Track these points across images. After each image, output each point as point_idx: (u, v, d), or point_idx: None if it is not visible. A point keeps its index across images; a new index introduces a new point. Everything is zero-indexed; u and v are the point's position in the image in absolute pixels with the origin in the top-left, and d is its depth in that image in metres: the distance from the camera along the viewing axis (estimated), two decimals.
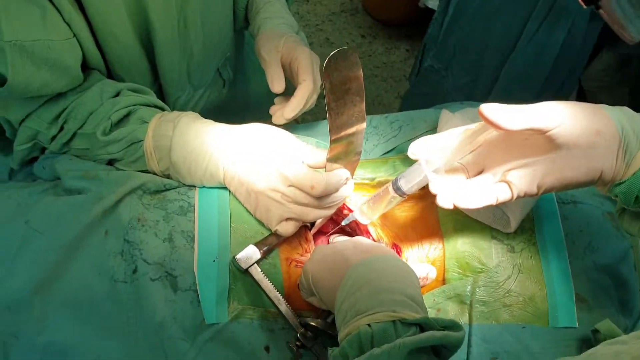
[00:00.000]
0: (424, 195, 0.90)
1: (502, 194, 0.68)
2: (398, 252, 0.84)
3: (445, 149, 0.70)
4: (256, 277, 0.76)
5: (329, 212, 0.78)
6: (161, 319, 0.73)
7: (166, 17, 0.86)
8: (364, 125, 0.74)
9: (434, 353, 0.62)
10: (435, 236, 0.85)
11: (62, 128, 0.81)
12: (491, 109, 0.62)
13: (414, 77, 1.81)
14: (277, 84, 0.91)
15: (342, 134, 0.72)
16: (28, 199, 0.79)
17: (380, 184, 0.91)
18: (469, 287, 0.81)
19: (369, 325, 0.60)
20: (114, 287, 0.74)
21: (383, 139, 0.98)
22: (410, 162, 0.89)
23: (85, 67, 0.84)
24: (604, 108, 0.66)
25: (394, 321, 0.60)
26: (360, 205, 0.80)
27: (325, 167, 0.75)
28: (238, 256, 0.76)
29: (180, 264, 0.75)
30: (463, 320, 0.80)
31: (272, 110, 0.94)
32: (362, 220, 0.80)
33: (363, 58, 2.71)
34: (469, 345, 0.79)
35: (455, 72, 1.58)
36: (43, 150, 0.87)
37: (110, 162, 0.85)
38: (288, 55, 0.92)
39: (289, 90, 0.94)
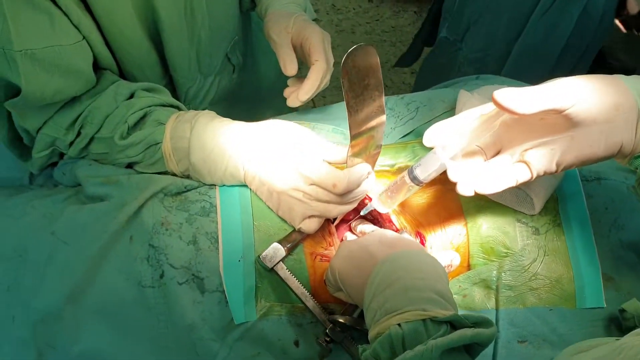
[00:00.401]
0: (444, 179, 0.89)
1: (521, 175, 0.67)
2: (421, 240, 0.84)
3: (462, 135, 0.69)
4: (282, 275, 0.77)
5: (352, 206, 0.78)
6: (191, 321, 0.74)
7: (172, 6, 0.84)
8: (384, 119, 0.73)
9: (465, 349, 0.62)
10: (459, 222, 0.85)
11: (79, 133, 0.81)
12: (504, 96, 0.61)
13: (419, 43, 1.79)
14: (289, 67, 0.90)
15: (363, 129, 0.71)
16: (52, 209, 0.79)
17: (401, 170, 0.90)
18: (495, 271, 0.81)
19: (399, 325, 0.60)
20: (142, 292, 0.74)
21: (400, 121, 0.96)
22: (430, 147, 0.89)
23: (97, 67, 0.83)
24: (620, 78, 0.64)
25: (424, 320, 0.60)
26: (379, 194, 0.79)
27: (346, 163, 0.75)
28: (263, 255, 0.76)
29: (206, 266, 0.76)
30: (490, 305, 0.80)
31: (287, 92, 0.93)
32: (381, 209, 0.80)
33: (370, 23, 2.66)
34: (497, 330, 0.79)
35: (469, 43, 1.55)
36: (62, 155, 0.87)
37: (130, 165, 0.85)
38: (299, 35, 0.91)
39: (302, 71, 0.92)
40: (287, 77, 0.94)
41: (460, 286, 0.81)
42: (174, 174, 0.83)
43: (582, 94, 0.62)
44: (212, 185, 0.82)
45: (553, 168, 0.66)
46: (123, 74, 0.89)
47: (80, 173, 0.82)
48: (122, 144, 0.79)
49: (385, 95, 0.74)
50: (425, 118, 0.95)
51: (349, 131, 0.71)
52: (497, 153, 0.72)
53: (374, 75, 0.69)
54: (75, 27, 0.74)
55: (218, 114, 1.15)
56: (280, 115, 1.26)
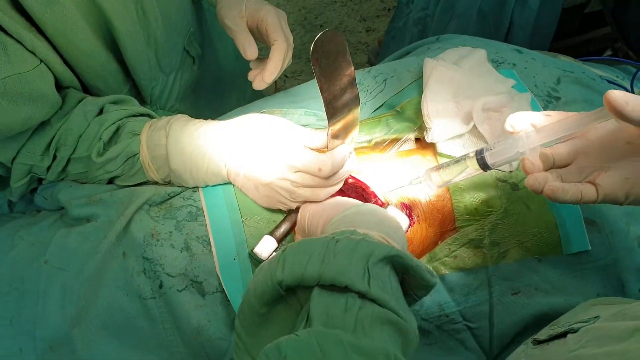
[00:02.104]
0: (423, 147, 0.91)
1: (587, 195, 0.64)
2: (409, 212, 0.85)
3: (545, 132, 0.66)
4: None
5: (338, 187, 0.80)
6: (196, 324, 0.75)
7: (124, 11, 0.83)
8: (358, 98, 0.74)
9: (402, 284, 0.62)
10: (442, 189, 0.86)
11: (55, 157, 0.80)
12: (619, 97, 0.56)
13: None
14: (249, 51, 0.89)
15: (339, 111, 0.72)
16: (40, 236, 0.79)
17: (378, 144, 0.91)
18: (481, 230, 0.83)
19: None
20: (144, 304, 0.75)
21: (370, 95, 0.97)
22: (404, 117, 0.90)
23: (59, 87, 0.81)
24: None
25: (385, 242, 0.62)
26: (431, 171, 0.80)
27: (327, 146, 0.75)
28: (256, 249, 0.77)
29: (203, 270, 0.77)
30: (480, 263, 0.83)
31: (251, 76, 0.92)
32: (431, 189, 0.81)
33: None
34: (490, 286, 0.83)
35: (415, 4, 1.55)
36: (40, 180, 0.86)
37: (110, 180, 0.84)
38: (254, 18, 0.90)
39: (261, 52, 0.92)
40: (247, 60, 0.93)
41: (449, 249, 0.83)
42: (155, 182, 0.83)
43: None
44: (195, 188, 0.83)
45: (620, 199, 0.64)
46: (86, 88, 0.88)
47: (61, 196, 0.82)
48: (100, 161, 0.79)
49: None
50: (394, 89, 0.96)
51: (324, 113, 0.72)
52: (567, 164, 0.69)
53: (343, 57, 0.69)
54: (31, 52, 0.73)
55: (186, 109, 1.15)
56: (246, 101, 1.26)
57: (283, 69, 0.91)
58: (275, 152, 0.75)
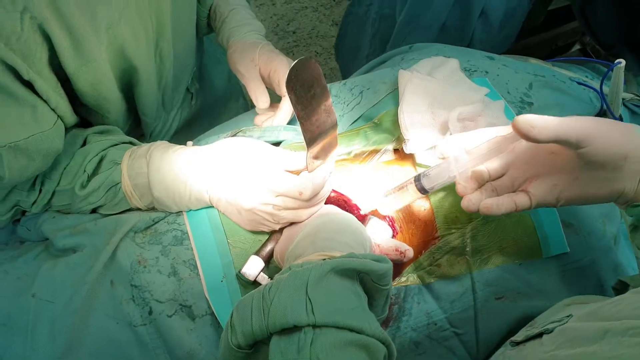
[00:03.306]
0: (403, 156, 0.92)
1: (521, 203, 0.70)
2: (391, 222, 0.87)
3: (474, 154, 0.71)
4: None
5: (319, 206, 0.80)
6: (188, 348, 0.76)
7: (147, 60, 0.85)
8: (335, 120, 0.75)
9: (363, 286, 0.64)
10: (422, 197, 0.88)
11: (40, 190, 0.80)
12: (525, 122, 0.62)
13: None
14: (261, 101, 0.93)
15: (316, 134, 0.73)
16: (26, 270, 0.79)
17: (357, 156, 0.92)
18: (462, 238, 0.85)
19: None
20: (135, 332, 0.76)
21: (347, 107, 0.98)
22: (382, 129, 0.92)
23: None
24: (635, 128, 0.66)
25: (324, 259, 0.64)
26: (383, 195, 0.82)
27: (307, 167, 0.76)
28: (243, 270, 0.78)
29: (191, 293, 0.77)
30: (463, 270, 0.85)
31: (258, 120, 0.96)
32: (383, 211, 0.84)
33: None
34: (474, 292, 0.84)
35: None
36: (24, 211, 0.86)
37: (94, 210, 0.84)
38: (266, 67, 0.93)
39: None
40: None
41: (433, 257, 0.85)
42: (139, 209, 0.83)
43: (598, 136, 0.63)
44: (179, 212, 0.83)
45: (552, 202, 0.69)
46: (86, 122, 0.89)
47: (45, 228, 0.82)
48: (83, 194, 0.79)
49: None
50: (370, 102, 0.97)
51: (302, 136, 0.73)
52: (500, 175, 0.74)
53: (319, 84, 0.70)
54: (53, 110, 0.73)
55: (181, 139, 1.16)
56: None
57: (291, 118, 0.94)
58: (256, 178, 0.76)
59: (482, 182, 0.74)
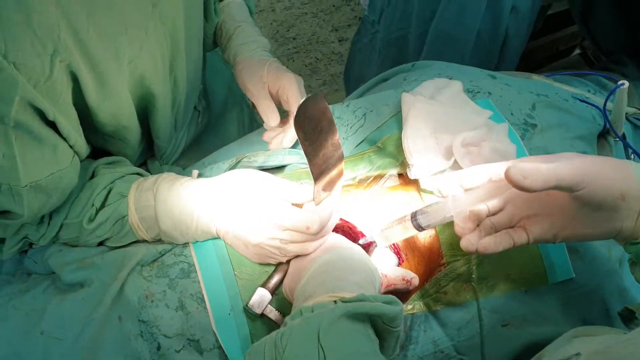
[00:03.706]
0: (406, 182, 0.92)
1: (519, 239, 0.71)
2: (396, 249, 0.87)
3: (472, 195, 0.71)
4: (273, 318, 0.79)
5: (326, 238, 0.80)
6: None
7: (163, 84, 0.85)
8: (342, 154, 0.75)
9: (374, 328, 0.64)
10: None
11: (48, 223, 0.80)
12: (517, 174, 0.62)
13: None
14: (272, 120, 0.93)
15: (324, 168, 0.73)
16: (34, 305, 0.79)
17: (362, 181, 0.92)
18: (468, 265, 0.85)
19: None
20: None
21: (350, 130, 0.98)
22: (386, 153, 0.92)
23: None
24: (630, 164, 0.66)
25: (335, 300, 0.64)
26: (381, 230, 0.82)
27: (314, 200, 0.76)
28: (250, 303, 0.78)
29: (199, 327, 0.77)
30: (469, 297, 0.85)
31: (267, 137, 0.96)
32: (382, 243, 0.84)
33: None
34: (480, 319, 0.84)
35: (384, 25, 1.54)
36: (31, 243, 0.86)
37: (101, 242, 0.84)
38: (275, 84, 0.93)
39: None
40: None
41: (439, 284, 0.85)
42: (145, 240, 0.83)
43: (594, 178, 0.63)
44: (186, 244, 0.83)
45: (550, 239, 0.70)
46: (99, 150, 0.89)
47: (52, 262, 0.82)
48: (90, 228, 0.79)
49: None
50: (374, 124, 0.97)
51: (309, 168, 0.73)
52: (498, 210, 0.75)
53: (326, 119, 0.71)
54: (71, 147, 0.74)
55: (188, 157, 1.16)
56: (246, 128, 1.29)
57: None
58: (262, 213, 0.76)
59: (480, 220, 0.75)
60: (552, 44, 2.36)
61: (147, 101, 0.84)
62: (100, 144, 0.87)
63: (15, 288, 0.84)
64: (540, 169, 0.63)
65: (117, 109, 0.77)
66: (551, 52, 2.33)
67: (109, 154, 0.89)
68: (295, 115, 0.67)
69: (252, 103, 0.98)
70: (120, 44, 0.70)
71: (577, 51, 2.23)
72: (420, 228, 0.77)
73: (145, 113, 0.88)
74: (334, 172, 0.76)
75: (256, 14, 2.59)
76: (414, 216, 0.78)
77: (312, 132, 0.69)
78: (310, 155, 0.70)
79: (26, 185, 0.67)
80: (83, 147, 0.77)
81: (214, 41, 1.10)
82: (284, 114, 0.98)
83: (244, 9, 1.10)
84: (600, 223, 0.67)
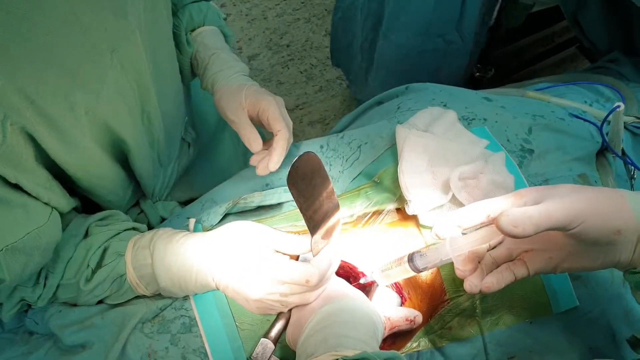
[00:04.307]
0: (405, 219, 0.92)
1: (519, 273, 0.72)
2: (398, 288, 0.86)
3: (470, 239, 0.71)
4: None
5: (327, 286, 0.80)
6: None
7: (135, 129, 0.83)
8: (338, 206, 0.75)
9: None
10: None
11: (44, 284, 0.79)
12: (508, 223, 0.62)
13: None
14: (255, 145, 0.92)
15: (320, 222, 0.73)
16: None
17: (360, 219, 0.92)
18: (472, 300, 0.84)
19: None
20: None
21: (347, 163, 0.98)
22: (383, 187, 0.91)
23: None
24: (625, 195, 0.65)
25: (337, 359, 0.64)
26: (380, 270, 0.82)
27: (311, 250, 0.76)
28: (254, 355, 0.78)
29: None
30: (474, 331, 0.84)
31: (254, 161, 0.94)
32: (382, 283, 0.83)
33: (280, 4, 2.61)
34: (486, 353, 0.84)
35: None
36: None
37: (100, 300, 0.83)
38: (254, 108, 0.92)
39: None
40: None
41: (444, 320, 0.85)
42: (145, 295, 0.82)
43: (587, 215, 0.62)
44: (186, 297, 0.83)
45: (550, 272, 0.71)
46: (85, 199, 0.88)
47: (52, 324, 0.81)
48: (88, 288, 0.78)
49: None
50: (369, 157, 0.96)
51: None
52: (499, 243, 0.76)
53: (319, 174, 0.70)
54: (46, 203, 0.72)
55: (181, 189, 1.15)
56: (241, 148, 1.27)
57: (286, 154, 0.94)
58: (260, 268, 0.75)
59: (481, 257, 0.75)
60: (548, 37, 2.34)
61: (119, 146, 0.83)
62: (86, 194, 0.85)
63: (18, 350, 0.83)
64: (530, 215, 0.62)
65: (85, 160, 0.75)
66: (548, 45, 2.32)
67: (98, 204, 0.89)
68: (289, 175, 0.66)
69: None
70: (73, 96, 0.67)
71: (574, 47, 2.21)
72: (417, 270, 0.77)
73: (122, 156, 0.86)
74: (330, 222, 0.76)
75: (248, 23, 2.58)
76: (410, 258, 0.77)
77: (306, 189, 0.69)
78: (305, 210, 0.70)
79: (1, 249, 0.65)
80: (62, 202, 0.75)
81: (192, 72, 1.09)
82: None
83: (217, 36, 1.08)
84: (597, 256, 0.67)
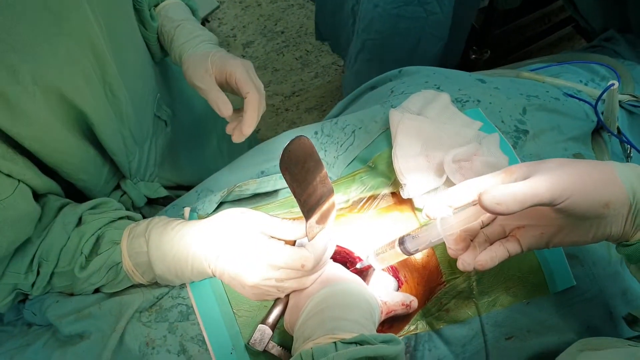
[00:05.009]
0: (400, 203, 0.91)
1: (512, 249, 0.71)
2: (396, 274, 0.86)
3: (461, 215, 0.71)
4: (275, 353, 0.79)
5: (323, 270, 0.80)
6: None
7: (95, 100, 0.81)
8: (332, 189, 0.74)
9: None
10: None
11: (38, 272, 0.79)
12: (491, 200, 0.61)
13: None
14: (224, 109, 0.90)
15: (315, 206, 0.73)
16: (36, 359, 0.78)
17: (355, 204, 0.92)
18: (468, 282, 0.84)
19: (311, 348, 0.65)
20: None
21: (341, 148, 0.97)
22: (377, 172, 0.91)
23: (37, 195, 0.80)
24: (615, 167, 0.64)
25: (335, 342, 0.64)
26: (375, 252, 0.81)
27: (307, 235, 0.76)
28: (252, 341, 0.78)
29: None
30: (472, 313, 0.85)
31: (229, 129, 0.94)
32: (378, 266, 0.83)
33: None
34: (484, 334, 0.84)
35: None
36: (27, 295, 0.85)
37: (97, 289, 0.84)
38: (221, 73, 0.91)
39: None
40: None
41: (441, 302, 0.85)
42: (142, 284, 0.83)
43: (574, 190, 0.62)
44: (183, 285, 0.83)
45: (543, 247, 0.71)
46: (67, 182, 0.87)
47: (50, 315, 0.81)
48: (83, 276, 0.78)
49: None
50: (364, 142, 0.96)
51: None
52: (492, 220, 0.75)
53: (312, 158, 0.70)
54: (7, 175, 0.71)
55: (166, 172, 1.14)
56: (226, 141, 1.26)
57: (259, 118, 0.92)
58: (256, 254, 0.75)
59: (474, 234, 0.74)
60: (544, 17, 2.33)
61: (81, 119, 0.81)
62: (57, 171, 0.84)
63: (16, 343, 0.84)
64: (514, 192, 0.61)
65: (40, 133, 0.74)
66: (544, 25, 2.31)
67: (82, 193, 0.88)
68: (281, 160, 0.66)
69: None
70: (16, 66, 0.66)
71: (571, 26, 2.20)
72: (409, 253, 0.77)
73: (89, 132, 0.85)
74: (325, 206, 0.75)
75: (242, 10, 2.56)
76: (401, 241, 0.77)
77: (299, 173, 0.68)
78: (299, 194, 0.69)
79: None
80: (29, 175, 0.75)
81: (162, 48, 1.07)
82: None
83: (182, 8, 1.06)
84: (588, 230, 0.66)
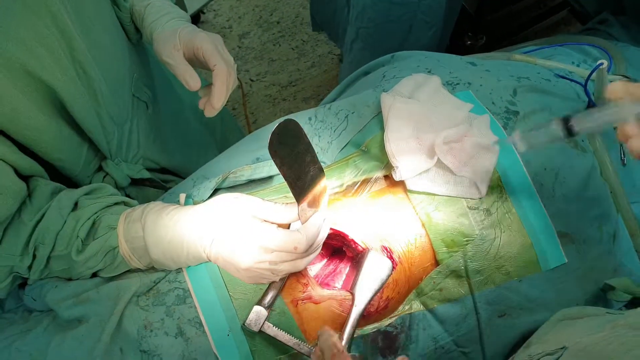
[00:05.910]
0: (394, 186, 0.92)
1: None
2: (391, 255, 0.88)
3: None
4: (271, 334, 0.80)
5: (317, 253, 0.81)
6: None
7: (64, 77, 0.81)
8: (322, 173, 0.75)
9: None
10: (416, 225, 0.89)
11: (34, 256, 0.80)
12: None
13: None
14: (191, 82, 0.90)
15: (305, 188, 0.73)
16: (37, 345, 0.80)
17: (349, 188, 0.93)
18: (461, 260, 0.86)
19: None
20: None
21: (334, 133, 0.98)
22: (370, 156, 0.92)
23: (22, 177, 0.80)
24: None
25: None
26: (518, 133, 0.77)
27: (300, 218, 0.77)
28: (247, 322, 0.79)
29: (200, 351, 0.79)
30: (464, 291, 0.86)
31: (201, 104, 0.94)
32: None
33: None
34: (477, 312, 0.86)
35: None
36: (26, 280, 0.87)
37: (95, 273, 0.85)
38: (189, 48, 0.91)
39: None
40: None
41: (434, 282, 0.86)
42: (139, 269, 0.84)
43: None
44: (179, 269, 0.84)
45: None
46: (50, 165, 0.87)
47: (49, 299, 0.83)
48: (80, 259, 0.79)
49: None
50: (356, 127, 0.97)
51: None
52: None
53: (301, 141, 0.70)
54: None
55: (155, 155, 1.14)
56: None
57: (230, 92, 0.92)
58: (249, 237, 0.76)
59: None
60: (538, 2, 2.33)
61: (53, 96, 0.81)
62: (33, 150, 0.83)
63: (17, 329, 0.85)
64: None
65: (9, 111, 0.73)
66: (539, 10, 2.30)
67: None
68: (269, 143, 0.67)
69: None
70: None
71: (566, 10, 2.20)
72: (570, 134, 0.71)
73: (63, 110, 0.85)
74: (316, 188, 0.76)
75: (237, 1, 2.57)
76: (566, 120, 0.71)
77: (289, 156, 0.69)
78: (290, 177, 0.70)
79: None
80: (7, 153, 0.75)
81: (137, 29, 1.07)
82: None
83: None
84: None
